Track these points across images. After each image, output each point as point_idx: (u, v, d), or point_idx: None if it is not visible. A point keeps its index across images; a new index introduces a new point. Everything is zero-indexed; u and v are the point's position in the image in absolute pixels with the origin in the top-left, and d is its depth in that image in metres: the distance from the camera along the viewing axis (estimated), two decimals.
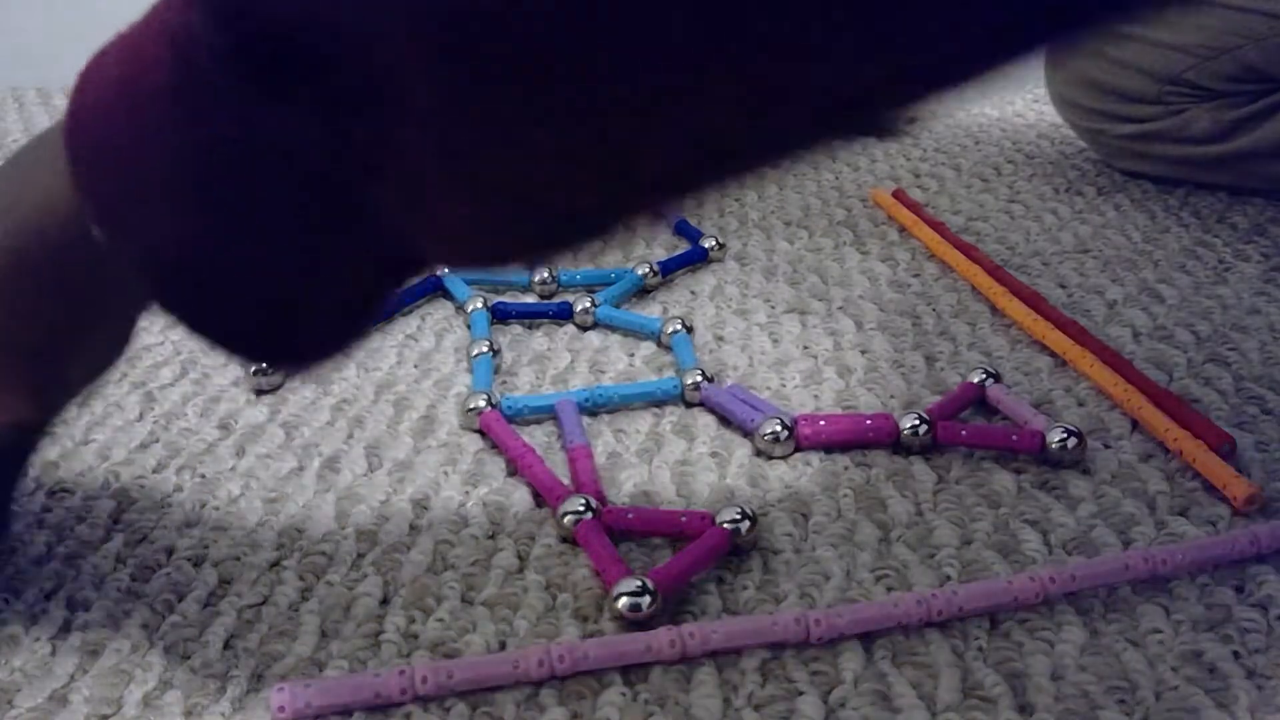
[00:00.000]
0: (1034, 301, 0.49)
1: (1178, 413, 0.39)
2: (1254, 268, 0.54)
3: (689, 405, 0.42)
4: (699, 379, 0.42)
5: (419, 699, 0.28)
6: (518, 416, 0.41)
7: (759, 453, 0.39)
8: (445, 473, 0.38)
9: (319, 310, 0.26)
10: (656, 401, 0.42)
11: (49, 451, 0.40)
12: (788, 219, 0.63)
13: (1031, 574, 0.31)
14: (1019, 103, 0.89)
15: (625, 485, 0.37)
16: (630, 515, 0.34)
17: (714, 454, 0.39)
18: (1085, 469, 0.37)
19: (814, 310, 0.50)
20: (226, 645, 0.30)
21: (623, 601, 0.30)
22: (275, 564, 0.34)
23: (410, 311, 0.51)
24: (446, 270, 0.53)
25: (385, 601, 0.32)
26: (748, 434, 0.40)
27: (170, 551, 0.34)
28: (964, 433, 0.38)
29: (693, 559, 0.32)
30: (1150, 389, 0.41)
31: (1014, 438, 0.38)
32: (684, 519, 0.34)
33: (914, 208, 0.61)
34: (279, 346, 0.27)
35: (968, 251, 0.55)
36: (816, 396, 0.43)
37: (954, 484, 0.37)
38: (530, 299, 0.52)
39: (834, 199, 0.66)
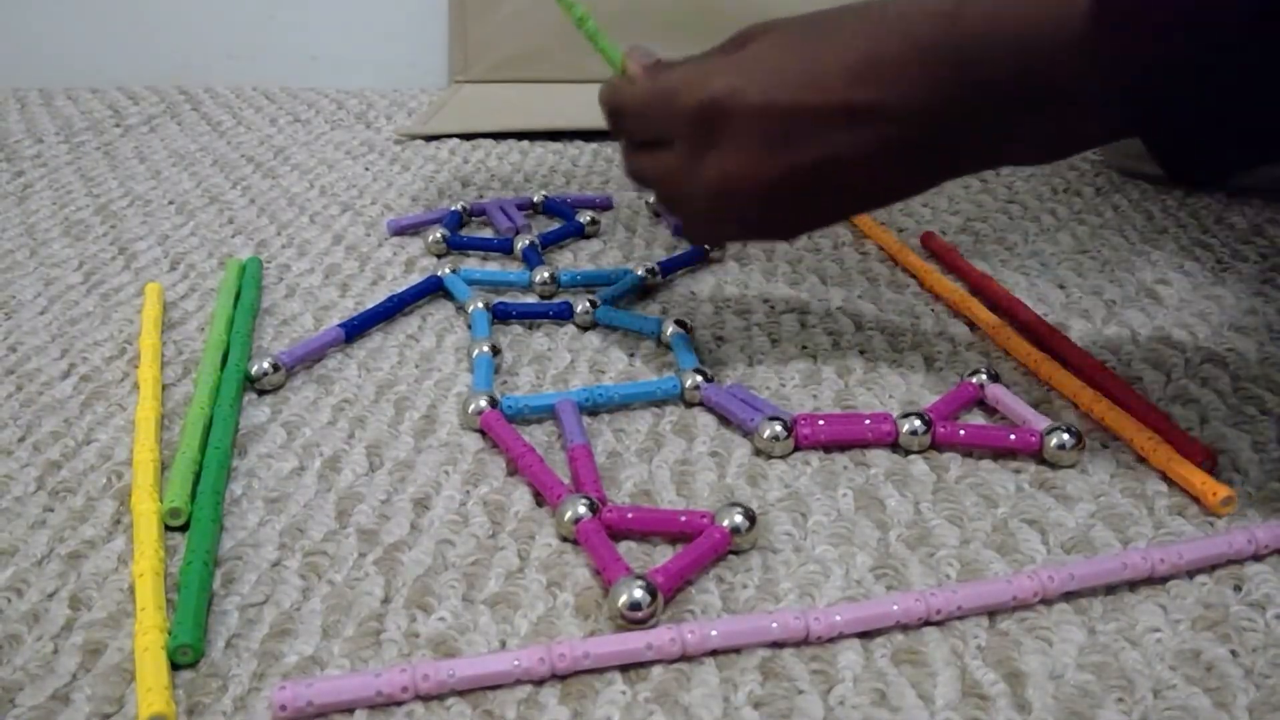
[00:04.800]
0: (1014, 310, 0.48)
1: (1160, 427, 0.39)
2: (1252, 268, 0.54)
3: (689, 405, 0.42)
4: (699, 379, 0.42)
5: (420, 697, 0.28)
6: (518, 416, 0.41)
7: (758, 452, 0.39)
8: (446, 472, 0.38)
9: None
10: (656, 401, 0.43)
11: (51, 452, 0.40)
12: None
13: (1030, 573, 0.31)
14: None
15: (625, 485, 0.37)
16: (630, 515, 0.34)
17: (714, 454, 0.39)
18: (1084, 469, 0.38)
19: (813, 310, 0.51)
20: (228, 644, 0.30)
21: (623, 601, 0.30)
22: (277, 564, 0.34)
23: (411, 311, 0.51)
24: (446, 270, 0.53)
25: (386, 601, 0.32)
26: (747, 433, 0.40)
27: (173, 552, 0.34)
28: (963, 433, 0.39)
29: (693, 558, 0.32)
30: (1131, 402, 0.40)
31: (1013, 437, 0.38)
32: (684, 519, 0.34)
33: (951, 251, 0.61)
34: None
35: (951, 260, 0.55)
36: (816, 396, 0.43)
37: (953, 483, 0.37)
38: (530, 299, 0.52)
39: None
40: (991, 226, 0.61)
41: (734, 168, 0.39)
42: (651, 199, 0.52)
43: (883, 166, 0.38)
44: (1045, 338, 0.45)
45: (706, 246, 0.56)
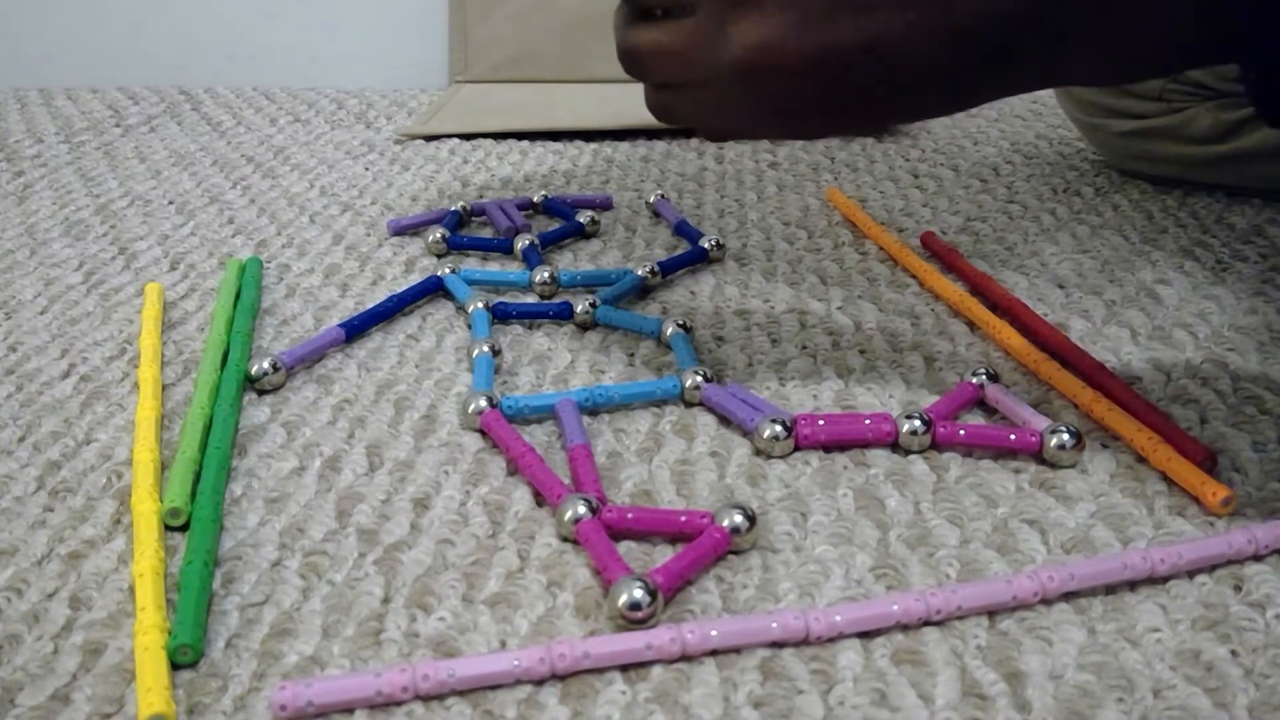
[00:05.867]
0: (1014, 310, 0.48)
1: (1160, 427, 0.38)
2: (1251, 268, 0.54)
3: (689, 405, 0.42)
4: (699, 379, 0.42)
5: (420, 697, 0.28)
6: (518, 416, 0.41)
7: (758, 452, 0.39)
8: (445, 472, 0.38)
9: None
10: (656, 401, 0.43)
11: (51, 451, 0.40)
12: (787, 219, 0.63)
13: (1030, 573, 0.31)
14: (1017, 103, 0.89)
15: (625, 485, 0.37)
16: (630, 515, 0.34)
17: (714, 453, 0.39)
18: (1084, 469, 0.38)
19: (813, 310, 0.51)
20: (228, 644, 0.30)
21: (623, 601, 0.30)
22: (277, 564, 0.34)
23: (411, 311, 0.51)
24: (447, 270, 0.53)
25: (386, 601, 0.32)
26: (747, 433, 0.40)
27: (173, 552, 0.34)
28: (963, 432, 0.39)
29: (693, 558, 0.32)
30: (1131, 402, 0.40)
31: (1013, 437, 0.38)
32: (684, 519, 0.34)
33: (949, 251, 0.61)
34: None
35: (951, 260, 0.55)
36: (815, 396, 0.43)
37: (953, 483, 0.37)
38: (530, 299, 0.52)
39: None
40: (991, 226, 0.61)
41: (770, 37, 0.34)
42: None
43: (938, 63, 0.34)
44: (1045, 338, 0.46)
45: (706, 246, 0.56)
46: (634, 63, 0.38)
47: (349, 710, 0.28)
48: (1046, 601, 0.31)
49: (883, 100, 0.35)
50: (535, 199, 0.65)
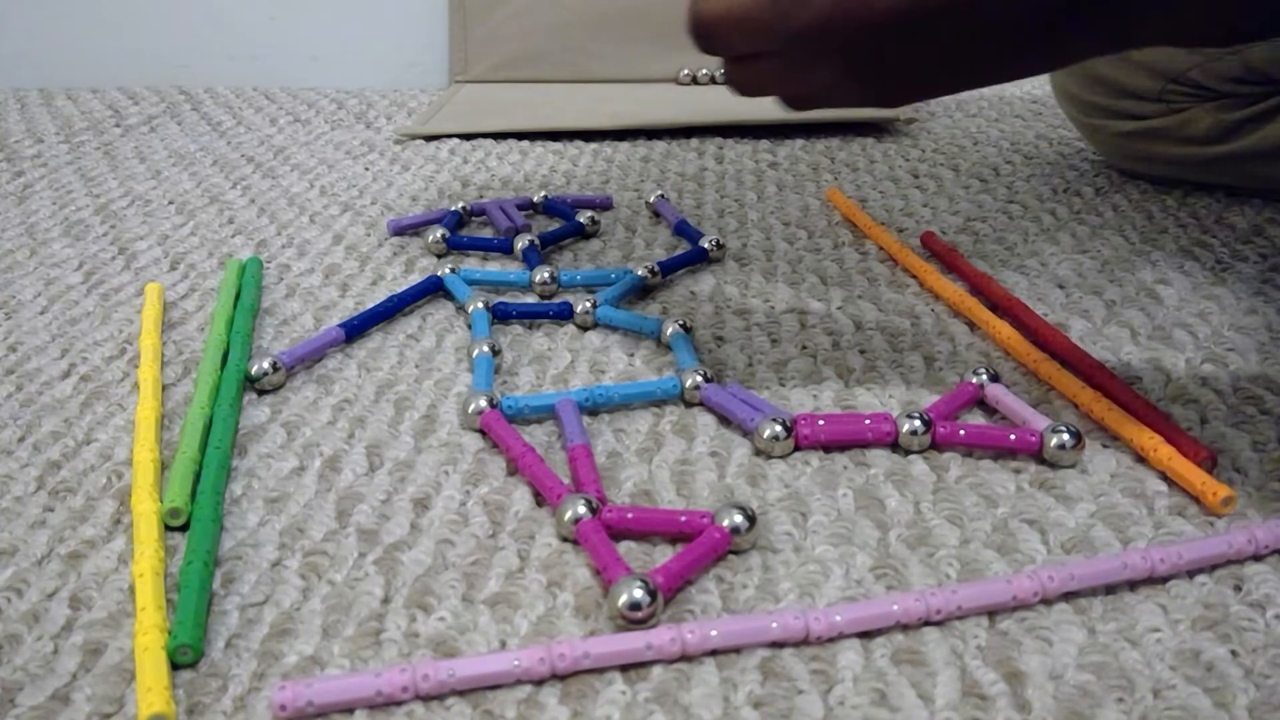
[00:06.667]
0: (1014, 310, 0.48)
1: (1160, 427, 0.38)
2: (1252, 268, 0.54)
3: (689, 405, 0.42)
4: (699, 379, 0.42)
5: (420, 697, 0.28)
6: (518, 416, 0.41)
7: (758, 452, 0.39)
8: (445, 472, 0.38)
9: None
10: (656, 401, 0.43)
11: (51, 451, 0.40)
12: (787, 219, 0.63)
13: (1030, 573, 0.31)
14: (1017, 103, 0.89)
15: (625, 485, 0.37)
16: (630, 515, 0.34)
17: (714, 453, 0.39)
18: (1084, 469, 0.38)
19: (813, 310, 0.51)
20: (228, 644, 0.30)
21: (623, 601, 0.30)
22: (277, 564, 0.34)
23: (411, 311, 0.51)
24: (447, 270, 0.53)
25: (386, 601, 0.32)
26: (747, 433, 0.40)
27: (173, 552, 0.34)
28: (963, 432, 0.39)
29: (693, 558, 0.32)
30: (1131, 402, 0.40)
31: (1013, 437, 0.38)
32: (684, 519, 0.34)
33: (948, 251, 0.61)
34: None
35: (951, 260, 0.55)
36: (815, 396, 0.43)
37: (953, 483, 0.37)
38: (530, 299, 0.52)
39: None
40: (991, 226, 0.61)
41: None
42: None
43: (1018, 20, 0.34)
44: (1045, 338, 0.46)
45: (706, 246, 0.56)
46: (711, 33, 0.37)
47: (349, 710, 0.28)
48: (1046, 601, 0.31)
49: (961, 61, 0.35)
50: (535, 199, 0.65)
